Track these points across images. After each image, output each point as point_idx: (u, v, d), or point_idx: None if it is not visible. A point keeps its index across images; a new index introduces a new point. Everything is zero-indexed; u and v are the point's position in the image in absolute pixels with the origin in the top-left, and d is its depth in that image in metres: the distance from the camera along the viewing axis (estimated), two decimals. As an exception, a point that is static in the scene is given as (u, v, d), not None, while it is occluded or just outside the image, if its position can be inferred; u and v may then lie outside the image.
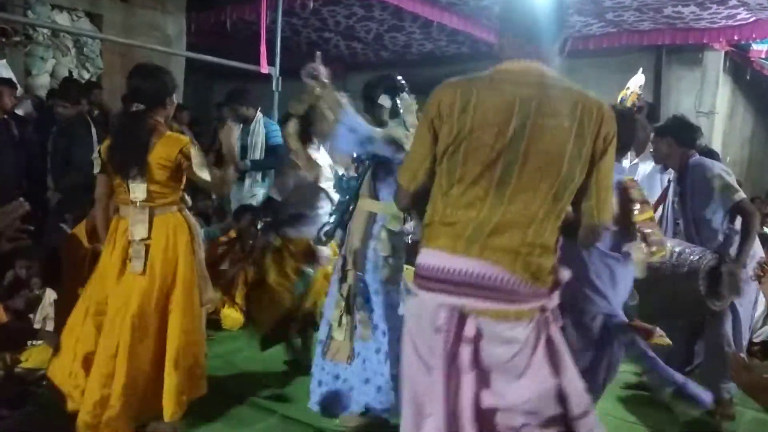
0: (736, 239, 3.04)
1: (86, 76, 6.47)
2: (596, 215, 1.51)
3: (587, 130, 1.43)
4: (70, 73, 6.31)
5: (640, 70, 4.36)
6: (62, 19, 6.22)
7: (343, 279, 2.63)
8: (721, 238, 3.08)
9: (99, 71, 6.59)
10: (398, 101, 2.67)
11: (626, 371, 3.15)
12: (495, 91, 1.46)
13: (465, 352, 1.45)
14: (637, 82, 4.26)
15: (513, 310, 1.45)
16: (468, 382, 1.46)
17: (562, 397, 1.49)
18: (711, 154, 3.71)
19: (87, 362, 2.41)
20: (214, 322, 4.29)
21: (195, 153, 2.44)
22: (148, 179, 2.39)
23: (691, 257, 2.83)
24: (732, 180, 3.06)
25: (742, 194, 3.00)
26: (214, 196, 5.30)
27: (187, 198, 2.68)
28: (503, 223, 1.45)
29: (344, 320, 2.56)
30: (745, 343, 3.43)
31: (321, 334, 2.75)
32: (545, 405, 1.48)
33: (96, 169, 2.52)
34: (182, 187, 2.58)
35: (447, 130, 1.47)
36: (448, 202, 1.50)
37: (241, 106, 4.84)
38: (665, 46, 7.93)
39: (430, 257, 1.51)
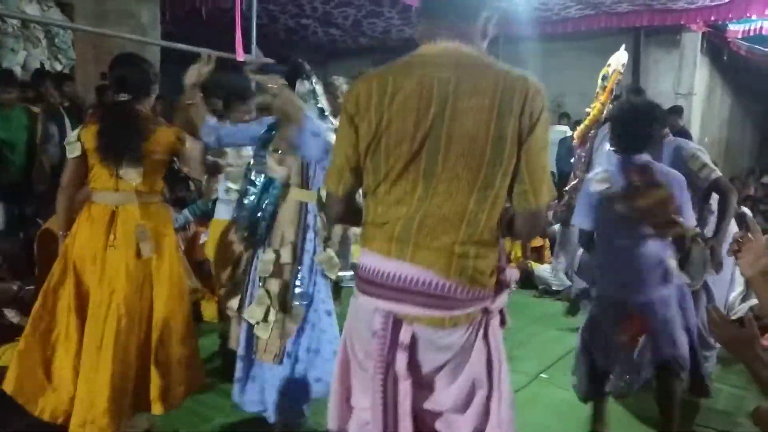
0: (711, 219, 3.06)
1: (58, 67, 6.36)
2: (532, 199, 1.38)
3: (509, 108, 1.32)
4: (42, 64, 6.20)
5: (623, 47, 4.07)
6: (32, 9, 6.11)
7: (275, 274, 2.47)
8: (695, 217, 3.10)
9: (71, 62, 6.48)
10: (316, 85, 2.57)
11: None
12: (412, 77, 1.37)
13: (401, 359, 1.39)
14: (619, 59, 4.00)
15: (448, 317, 1.37)
16: (405, 388, 1.41)
17: (487, 409, 1.44)
18: (685, 134, 3.73)
19: (74, 361, 2.34)
20: (195, 314, 4.26)
21: (190, 142, 2.47)
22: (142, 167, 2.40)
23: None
24: (707, 158, 3.06)
25: (718, 172, 3.01)
26: (193, 187, 5.25)
27: (165, 189, 2.67)
28: (433, 218, 1.37)
29: (272, 317, 2.44)
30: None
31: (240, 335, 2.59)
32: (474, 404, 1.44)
33: (74, 154, 2.45)
34: (164, 176, 2.58)
35: (366, 126, 1.39)
36: (378, 201, 1.42)
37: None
38: (643, 28, 7.96)
39: (367, 258, 1.44)
